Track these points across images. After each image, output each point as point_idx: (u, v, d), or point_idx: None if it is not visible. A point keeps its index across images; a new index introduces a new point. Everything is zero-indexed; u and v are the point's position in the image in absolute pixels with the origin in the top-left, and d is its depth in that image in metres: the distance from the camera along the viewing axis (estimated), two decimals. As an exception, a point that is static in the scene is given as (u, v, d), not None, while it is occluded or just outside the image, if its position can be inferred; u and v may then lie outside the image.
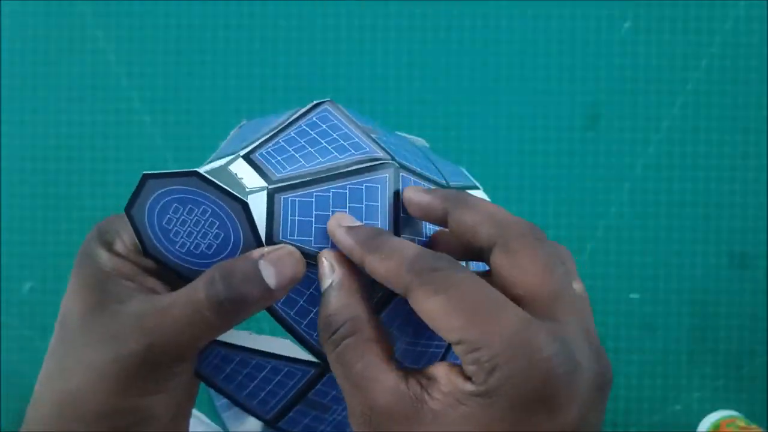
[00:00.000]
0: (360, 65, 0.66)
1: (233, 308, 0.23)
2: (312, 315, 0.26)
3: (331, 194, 0.25)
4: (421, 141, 0.34)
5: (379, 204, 0.26)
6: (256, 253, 0.24)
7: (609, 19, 0.65)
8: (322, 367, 0.26)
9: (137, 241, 0.26)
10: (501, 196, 0.65)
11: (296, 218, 0.25)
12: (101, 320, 0.24)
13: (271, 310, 0.26)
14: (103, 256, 0.25)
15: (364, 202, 0.25)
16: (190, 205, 0.25)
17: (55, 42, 0.67)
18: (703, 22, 0.65)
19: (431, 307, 0.21)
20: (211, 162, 0.29)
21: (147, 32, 0.66)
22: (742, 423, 0.62)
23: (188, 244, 0.25)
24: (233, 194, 0.24)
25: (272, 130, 0.28)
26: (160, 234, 0.25)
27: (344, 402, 0.24)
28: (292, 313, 0.26)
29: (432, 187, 0.28)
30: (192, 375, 0.26)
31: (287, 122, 0.28)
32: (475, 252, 0.24)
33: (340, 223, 0.25)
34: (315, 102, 0.30)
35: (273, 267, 0.23)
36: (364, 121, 0.30)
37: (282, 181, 0.25)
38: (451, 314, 0.21)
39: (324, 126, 0.29)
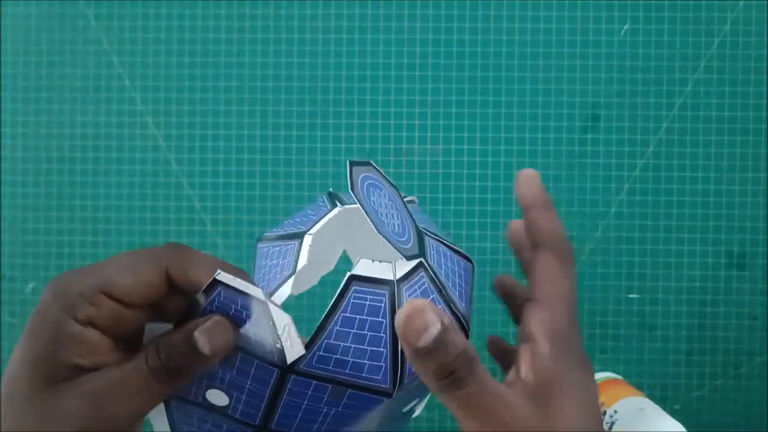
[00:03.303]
0: (362, 66, 0.66)
1: (176, 375, 0.26)
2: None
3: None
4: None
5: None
6: (191, 324, 0.26)
7: (609, 19, 0.65)
8: (283, 369, 0.27)
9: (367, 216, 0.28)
10: (502, 196, 0.65)
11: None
12: (47, 401, 0.25)
13: None
14: (64, 324, 0.25)
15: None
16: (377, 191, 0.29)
17: (57, 44, 0.67)
18: (703, 23, 0.65)
19: (548, 268, 0.31)
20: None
21: (149, 35, 0.67)
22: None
23: (389, 225, 0.29)
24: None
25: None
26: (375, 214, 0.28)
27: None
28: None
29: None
30: None
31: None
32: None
33: (537, 177, 0.33)
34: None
35: (205, 336, 0.25)
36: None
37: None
38: (552, 281, 0.30)
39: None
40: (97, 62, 0.67)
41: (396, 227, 0.29)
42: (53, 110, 0.67)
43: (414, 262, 0.28)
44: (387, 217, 0.28)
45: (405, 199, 0.33)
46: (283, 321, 0.26)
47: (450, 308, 0.29)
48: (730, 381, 0.65)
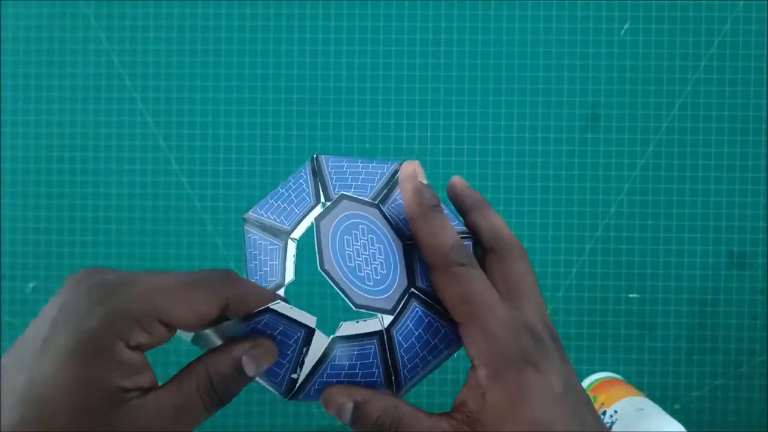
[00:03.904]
0: (362, 66, 0.66)
1: (227, 401, 0.27)
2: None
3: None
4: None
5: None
6: (239, 349, 0.27)
7: (609, 19, 0.65)
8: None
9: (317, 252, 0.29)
10: (502, 196, 0.65)
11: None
12: (104, 426, 0.24)
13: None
14: (117, 350, 0.24)
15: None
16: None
17: (57, 44, 0.67)
18: (703, 23, 0.65)
19: (451, 291, 0.28)
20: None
21: (149, 35, 0.67)
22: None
23: (370, 276, 0.30)
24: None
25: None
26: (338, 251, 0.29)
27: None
28: None
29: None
30: None
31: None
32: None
33: (417, 176, 0.30)
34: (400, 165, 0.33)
35: (253, 363, 0.27)
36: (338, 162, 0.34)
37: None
38: (463, 302, 0.28)
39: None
40: (97, 62, 0.67)
41: (378, 271, 0.30)
42: (53, 110, 0.67)
43: (400, 304, 0.29)
44: (368, 263, 0.30)
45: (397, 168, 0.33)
46: (321, 349, 0.29)
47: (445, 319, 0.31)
48: (730, 381, 0.65)
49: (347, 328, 0.29)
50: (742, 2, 0.65)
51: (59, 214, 0.67)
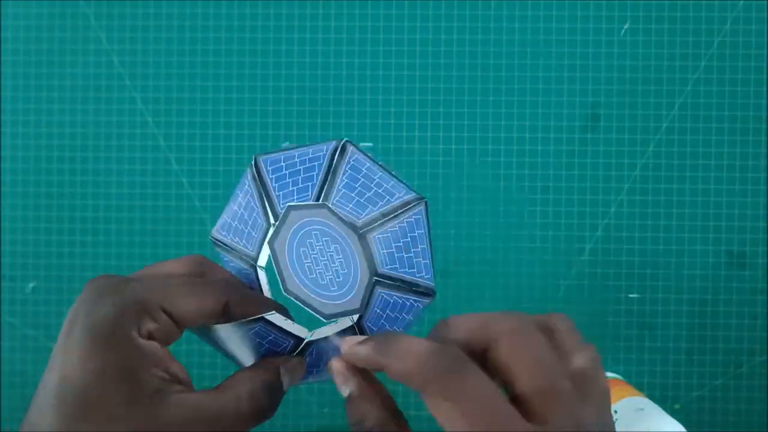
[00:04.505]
0: (362, 66, 0.66)
1: (268, 412, 0.27)
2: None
3: (390, 234, 0.30)
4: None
5: (423, 231, 0.31)
6: (277, 361, 0.29)
7: (609, 19, 0.65)
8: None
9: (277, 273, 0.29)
10: (501, 196, 0.65)
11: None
12: (143, 412, 0.23)
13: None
14: (134, 339, 0.25)
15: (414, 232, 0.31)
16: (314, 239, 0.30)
17: (57, 44, 0.67)
18: (703, 23, 0.65)
19: (443, 413, 0.21)
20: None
21: (149, 35, 0.67)
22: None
23: (333, 282, 0.30)
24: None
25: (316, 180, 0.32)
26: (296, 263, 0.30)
27: None
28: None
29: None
30: None
31: (325, 170, 0.32)
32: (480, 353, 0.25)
33: (350, 344, 0.27)
34: (338, 143, 0.32)
35: (288, 374, 0.29)
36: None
37: (366, 225, 0.31)
38: (460, 423, 0.21)
39: (360, 176, 0.33)
40: (97, 62, 0.67)
41: (339, 272, 0.30)
42: (53, 110, 0.67)
43: (367, 298, 0.30)
44: (328, 268, 0.30)
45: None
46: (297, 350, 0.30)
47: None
48: (730, 381, 0.65)
49: (321, 331, 0.30)
50: (742, 2, 0.65)
51: (59, 214, 0.67)
